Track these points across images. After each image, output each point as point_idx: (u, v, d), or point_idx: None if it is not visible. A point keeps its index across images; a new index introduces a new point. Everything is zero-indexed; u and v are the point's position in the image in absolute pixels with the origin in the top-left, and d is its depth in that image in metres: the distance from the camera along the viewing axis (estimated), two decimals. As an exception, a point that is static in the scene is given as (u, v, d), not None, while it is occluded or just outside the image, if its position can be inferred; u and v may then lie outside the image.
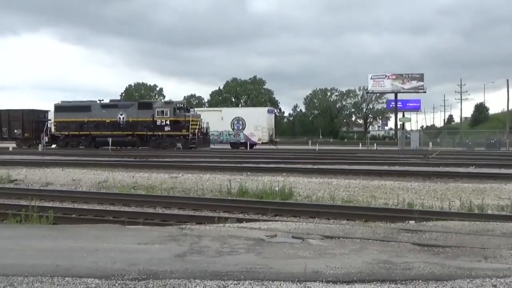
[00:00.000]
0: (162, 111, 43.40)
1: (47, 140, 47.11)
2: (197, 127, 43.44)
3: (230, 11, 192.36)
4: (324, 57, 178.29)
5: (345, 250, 6.50)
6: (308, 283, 5.01)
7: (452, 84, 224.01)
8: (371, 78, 79.48)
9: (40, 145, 46.06)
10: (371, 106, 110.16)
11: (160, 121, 43.36)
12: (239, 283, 4.98)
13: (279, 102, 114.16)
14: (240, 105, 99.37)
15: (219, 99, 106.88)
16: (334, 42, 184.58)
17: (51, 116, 49.21)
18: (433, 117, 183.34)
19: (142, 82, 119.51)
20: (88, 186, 16.45)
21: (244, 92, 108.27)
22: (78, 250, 6.34)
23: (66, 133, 46.39)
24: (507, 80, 65.25)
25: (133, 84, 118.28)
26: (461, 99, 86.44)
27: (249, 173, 19.63)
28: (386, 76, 78.87)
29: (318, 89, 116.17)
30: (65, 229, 8.45)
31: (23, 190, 15.17)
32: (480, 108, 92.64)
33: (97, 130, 45.36)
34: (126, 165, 23.73)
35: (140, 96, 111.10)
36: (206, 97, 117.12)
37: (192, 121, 42.80)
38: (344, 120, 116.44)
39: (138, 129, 44.16)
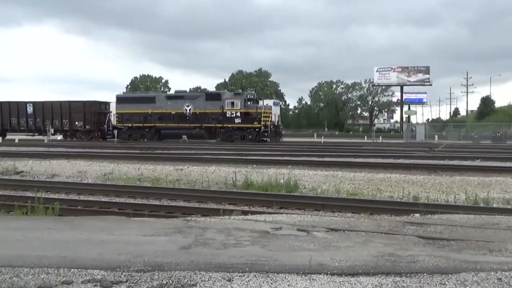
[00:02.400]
0: (232, 103, 42.12)
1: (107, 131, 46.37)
2: (269, 119, 42.08)
3: (235, 2, 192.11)
4: (329, 49, 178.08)
5: (350, 243, 6.50)
6: (313, 275, 5.02)
7: (458, 77, 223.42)
8: (377, 71, 79.35)
9: (46, 137, 45.86)
10: (376, 99, 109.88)
11: (230, 113, 42.04)
12: (244, 275, 4.99)
13: (284, 95, 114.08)
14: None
15: (224, 92, 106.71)
16: (340, 34, 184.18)
17: (112, 107, 48.58)
18: (439, 110, 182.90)
19: (148, 74, 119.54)
20: (94, 178, 16.49)
21: (250, 84, 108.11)
22: (83, 242, 6.37)
23: (129, 125, 45.49)
24: (514, 73, 64.77)
25: (138, 76, 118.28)
26: (467, 92, 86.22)
27: (254, 165, 19.64)
28: (392, 69, 78.74)
29: (323, 81, 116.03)
30: (70, 221, 8.48)
31: (29, 181, 15.21)
32: (486, 101, 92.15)
33: (162, 122, 44.35)
34: (132, 157, 23.77)
35: (146, 88, 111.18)
36: (211, 89, 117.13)
37: (264, 113, 41.55)
38: (350, 113, 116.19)
39: (205, 121, 42.87)
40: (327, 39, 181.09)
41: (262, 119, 41.08)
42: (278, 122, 45.70)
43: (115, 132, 45.68)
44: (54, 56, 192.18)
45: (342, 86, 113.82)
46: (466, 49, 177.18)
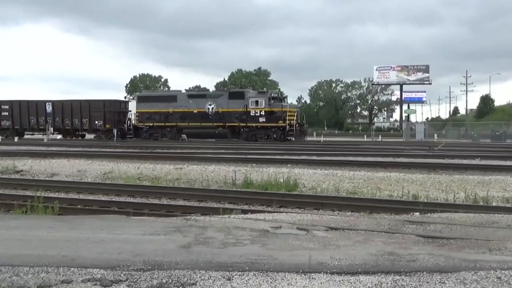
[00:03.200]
0: (256, 101, 41.32)
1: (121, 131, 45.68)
2: (294, 118, 40.96)
3: (234, 1, 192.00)
4: (329, 48, 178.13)
5: (350, 242, 6.50)
6: (312, 274, 5.02)
7: (457, 75, 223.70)
8: (376, 70, 79.39)
9: (45, 136, 45.78)
10: (376, 97, 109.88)
11: (254, 112, 41.32)
12: (244, 274, 5.00)
13: (284, 94, 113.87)
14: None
15: (224, 91, 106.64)
16: (339, 33, 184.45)
17: (131, 106, 48.21)
18: (438, 108, 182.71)
19: (147, 73, 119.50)
20: (94, 177, 16.49)
21: (249, 83, 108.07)
22: (83, 241, 6.37)
23: (150, 124, 44.89)
24: (513, 72, 64.77)
25: (138, 75, 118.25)
26: (466, 91, 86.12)
27: (254, 164, 19.64)
28: (391, 68, 78.77)
29: (323, 80, 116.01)
30: (70, 220, 8.49)
31: (29, 180, 15.21)
32: (486, 100, 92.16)
33: (184, 121, 43.59)
34: (131, 156, 23.75)
35: (146, 87, 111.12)
36: (211, 88, 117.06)
37: (289, 111, 40.77)
38: (349, 112, 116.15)
39: (228, 120, 42.18)
40: (326, 38, 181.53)
41: (287, 118, 40.33)
42: (302, 121, 45.03)
43: (115, 131, 45.51)
44: (53, 55, 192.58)
45: (342, 85, 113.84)
46: (465, 48, 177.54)
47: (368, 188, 13.43)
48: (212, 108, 42.60)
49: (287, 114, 40.48)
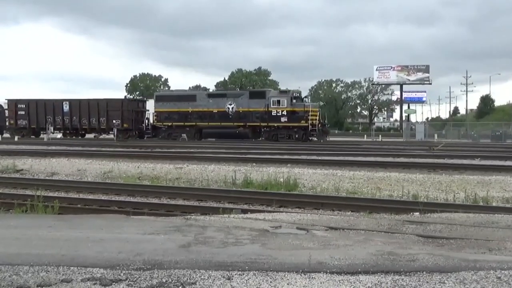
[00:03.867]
0: (278, 101, 40.84)
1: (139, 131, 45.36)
2: (316, 117, 40.56)
3: (234, 1, 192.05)
4: (329, 48, 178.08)
5: (350, 242, 6.50)
6: (312, 274, 5.02)
7: (457, 75, 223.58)
8: (376, 70, 79.36)
9: (45, 135, 45.75)
10: (376, 97, 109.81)
11: (275, 112, 40.76)
12: (243, 274, 5.00)
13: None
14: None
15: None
16: (339, 33, 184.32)
17: (148, 106, 47.80)
18: (438, 108, 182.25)
19: (147, 73, 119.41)
20: (93, 176, 16.49)
21: (249, 83, 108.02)
22: (83, 240, 6.37)
23: (169, 124, 44.24)
24: (514, 72, 64.74)
25: (138, 75, 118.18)
26: (466, 91, 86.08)
27: (254, 164, 19.64)
28: (391, 68, 78.74)
29: (323, 80, 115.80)
30: (70, 219, 8.49)
31: (29, 180, 15.21)
32: (486, 100, 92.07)
33: (203, 121, 43.05)
34: (131, 156, 23.75)
35: (146, 87, 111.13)
36: (211, 88, 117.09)
37: (311, 111, 40.33)
38: (349, 112, 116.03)
39: (249, 120, 41.65)
40: (326, 38, 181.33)
41: (310, 117, 39.91)
42: (324, 120, 44.51)
43: (115, 130, 45.44)
44: (52, 54, 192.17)
45: (342, 84, 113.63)
46: (465, 48, 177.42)
47: (368, 188, 13.44)
48: (232, 108, 42.11)
49: (310, 113, 40.06)
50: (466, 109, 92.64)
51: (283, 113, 40.68)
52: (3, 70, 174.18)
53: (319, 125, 40.81)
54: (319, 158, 22.64)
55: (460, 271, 5.13)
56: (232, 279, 4.85)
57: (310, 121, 39.93)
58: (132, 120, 46.16)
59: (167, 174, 16.20)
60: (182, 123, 43.66)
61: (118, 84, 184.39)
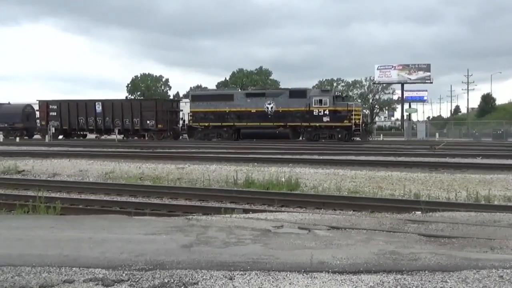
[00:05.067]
0: (320, 100, 39.80)
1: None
2: (360, 117, 39.82)
3: (234, 0, 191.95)
4: (330, 47, 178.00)
5: (352, 241, 6.50)
6: (314, 273, 5.02)
7: (459, 74, 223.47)
8: (377, 69, 79.29)
9: (47, 136, 45.74)
10: (377, 96, 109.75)
11: (317, 111, 39.77)
12: (245, 274, 5.00)
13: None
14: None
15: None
16: (340, 32, 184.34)
17: (182, 106, 47.44)
18: (439, 107, 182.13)
19: (148, 73, 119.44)
20: (95, 177, 16.50)
21: (251, 82, 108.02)
22: (85, 241, 6.38)
23: (206, 124, 43.24)
24: (515, 70, 64.69)
25: (139, 75, 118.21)
26: (467, 90, 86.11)
27: (255, 163, 19.63)
28: (392, 67, 78.64)
29: (324, 79, 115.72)
30: (72, 220, 8.50)
31: (30, 181, 15.22)
32: (487, 99, 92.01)
33: (241, 121, 42.24)
34: (133, 156, 23.76)
35: (147, 87, 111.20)
36: (212, 88, 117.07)
37: (355, 110, 39.58)
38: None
39: (289, 119, 40.70)
40: (327, 37, 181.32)
41: (353, 117, 39.08)
42: (367, 120, 43.68)
43: (116, 130, 45.36)
44: (53, 54, 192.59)
45: (343, 84, 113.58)
46: (466, 47, 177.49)
47: (370, 187, 13.43)
48: (272, 107, 41.23)
49: (353, 113, 39.27)
50: (468, 108, 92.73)
51: (325, 112, 39.72)
52: (3, 71, 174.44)
53: (363, 124, 40.11)
54: (321, 157, 22.63)
55: (462, 270, 5.13)
56: (234, 279, 4.85)
57: (353, 121, 39.06)
58: (167, 121, 45.54)
59: (169, 174, 16.20)
60: (219, 123, 42.87)
61: (118, 84, 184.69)
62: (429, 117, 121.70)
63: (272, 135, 41.02)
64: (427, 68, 77.77)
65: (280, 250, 5.94)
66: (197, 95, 46.65)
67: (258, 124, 41.44)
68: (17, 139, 46.44)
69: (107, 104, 47.53)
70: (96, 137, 48.99)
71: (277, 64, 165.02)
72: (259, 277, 4.90)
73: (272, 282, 4.78)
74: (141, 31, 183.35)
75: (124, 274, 4.98)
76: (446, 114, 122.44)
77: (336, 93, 42.25)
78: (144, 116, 45.61)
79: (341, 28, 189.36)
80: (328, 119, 39.72)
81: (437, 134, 55.13)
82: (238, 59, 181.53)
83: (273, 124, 41.12)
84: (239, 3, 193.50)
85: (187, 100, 49.97)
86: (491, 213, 8.90)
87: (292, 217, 8.58)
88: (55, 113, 47.97)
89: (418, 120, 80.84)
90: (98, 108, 46.92)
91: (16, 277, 4.89)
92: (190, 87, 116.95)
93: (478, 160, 21.53)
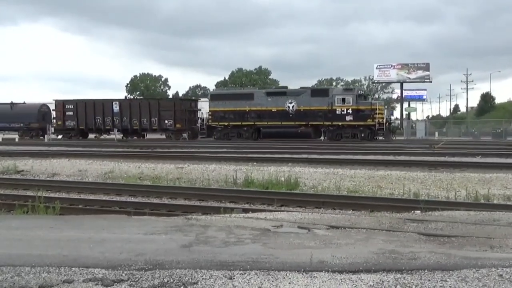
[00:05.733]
0: (343, 99, 39.39)
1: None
2: (383, 116, 39.51)
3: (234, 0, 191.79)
4: (329, 46, 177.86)
5: (351, 240, 6.50)
6: (314, 272, 5.02)
7: (458, 73, 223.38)
8: (376, 68, 79.19)
9: (46, 136, 45.71)
10: (376, 96, 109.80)
11: (340, 110, 39.36)
12: (245, 273, 5.00)
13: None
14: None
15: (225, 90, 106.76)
16: (340, 31, 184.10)
17: (200, 105, 47.13)
18: (439, 106, 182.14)
19: (148, 73, 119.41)
20: (94, 177, 16.49)
21: (250, 82, 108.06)
22: (84, 241, 6.38)
23: (226, 123, 42.86)
24: (514, 69, 64.75)
25: (138, 75, 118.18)
26: (467, 89, 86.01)
27: (255, 163, 19.63)
28: (391, 66, 78.54)
29: (323, 79, 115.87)
30: (71, 220, 8.50)
31: (30, 181, 15.21)
32: (486, 98, 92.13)
33: (261, 120, 41.76)
34: (132, 156, 23.75)
35: (146, 87, 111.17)
36: (211, 87, 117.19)
37: (378, 109, 39.30)
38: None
39: (311, 118, 40.18)
40: (327, 36, 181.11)
41: (377, 116, 38.73)
42: (391, 118, 43.08)
43: (115, 130, 45.27)
44: (52, 54, 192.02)
45: (342, 83, 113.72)
46: (466, 46, 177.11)
47: (369, 186, 13.43)
48: (293, 106, 40.67)
49: (376, 112, 39.02)
50: (467, 107, 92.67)
51: (348, 111, 39.29)
52: (1, 71, 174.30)
53: (386, 124, 39.84)
54: (320, 157, 22.64)
55: (462, 269, 5.13)
56: (233, 278, 4.86)
57: (377, 120, 38.75)
58: (185, 120, 45.14)
59: (168, 174, 16.20)
60: (239, 123, 42.45)
61: (118, 84, 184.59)
62: (428, 116, 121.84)
63: (294, 134, 40.61)
64: (426, 67, 77.73)
65: (280, 249, 5.94)
66: (216, 94, 46.31)
67: (279, 123, 41.02)
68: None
69: (125, 103, 47.52)
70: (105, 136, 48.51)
71: (277, 63, 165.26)
72: (258, 277, 4.90)
73: (272, 281, 4.78)
74: (140, 31, 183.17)
75: (123, 274, 4.98)
76: (445, 113, 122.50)
77: (359, 92, 41.83)
78: (162, 116, 45.25)
79: (340, 28, 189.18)
80: (351, 118, 39.35)
81: (436, 133, 55.20)
82: (237, 59, 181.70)
83: (295, 123, 40.69)
84: (238, 2, 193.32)
85: (205, 99, 49.81)
86: (490, 212, 8.91)
87: (292, 217, 8.58)
88: (71, 113, 47.62)
89: (417, 119, 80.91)
90: (116, 107, 46.60)
91: (16, 277, 4.88)
92: (190, 87, 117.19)
93: (478, 159, 21.54)
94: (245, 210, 9.89)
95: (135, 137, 47.64)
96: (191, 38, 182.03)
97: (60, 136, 48.94)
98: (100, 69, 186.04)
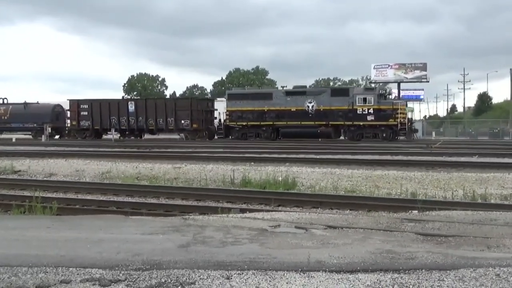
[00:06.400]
0: (364, 98, 39.15)
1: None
2: (405, 115, 39.43)
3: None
4: (327, 46, 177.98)
5: (348, 240, 6.51)
6: (311, 272, 5.02)
7: (455, 73, 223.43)
8: (374, 68, 79.28)
9: (43, 136, 45.54)
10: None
11: (361, 110, 39.12)
12: (242, 273, 4.99)
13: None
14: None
15: (222, 90, 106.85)
16: (338, 31, 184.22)
17: (216, 105, 46.83)
18: (436, 106, 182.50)
19: (145, 73, 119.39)
20: (92, 177, 16.47)
21: (247, 82, 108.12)
22: (82, 241, 6.37)
23: (244, 123, 42.65)
24: (511, 69, 65.07)
25: (135, 75, 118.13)
26: (464, 89, 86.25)
27: (252, 163, 19.63)
28: (389, 66, 78.61)
29: (321, 79, 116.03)
30: (69, 220, 8.48)
31: (27, 181, 15.19)
32: (483, 98, 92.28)
33: (280, 120, 41.56)
34: (129, 156, 23.72)
35: (143, 87, 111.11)
36: (208, 88, 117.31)
37: (400, 109, 39.03)
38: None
39: (331, 118, 40.07)
40: (325, 36, 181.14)
41: (399, 115, 38.58)
42: (412, 118, 42.94)
43: (113, 130, 45.09)
44: (49, 54, 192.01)
45: (340, 83, 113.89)
46: (463, 45, 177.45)
47: (367, 186, 13.44)
48: (312, 106, 40.47)
49: (398, 111, 38.78)
50: (464, 107, 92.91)
51: (369, 111, 39.06)
52: (1, 71, 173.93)
53: (409, 123, 39.63)
54: (317, 156, 22.65)
55: (459, 269, 5.13)
56: (231, 278, 4.85)
57: (399, 119, 38.49)
58: (202, 120, 44.89)
59: (165, 174, 16.19)
60: (258, 123, 42.24)
61: (116, 84, 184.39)
62: (425, 116, 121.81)
63: (313, 134, 40.38)
64: (424, 67, 77.82)
65: (277, 249, 5.94)
66: (234, 93, 45.98)
67: (299, 123, 40.74)
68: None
69: (140, 103, 47.21)
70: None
71: (275, 63, 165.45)
72: (256, 277, 4.90)
73: (269, 281, 4.77)
74: (138, 31, 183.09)
75: (121, 274, 4.97)
76: (442, 113, 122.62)
77: (380, 91, 41.50)
78: (179, 116, 44.89)
79: (338, 27, 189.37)
80: (373, 118, 39.10)
81: (433, 133, 55.27)
82: (235, 59, 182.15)
83: (314, 123, 40.43)
84: (236, 2, 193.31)
85: (221, 99, 49.60)
86: (487, 212, 8.92)
87: (289, 217, 8.58)
88: (86, 113, 47.30)
89: (414, 119, 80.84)
90: (131, 108, 46.30)
91: (13, 278, 4.87)
92: (187, 87, 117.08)
93: (475, 159, 21.56)
94: (243, 210, 9.89)
95: (132, 137, 47.54)
96: (188, 38, 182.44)
97: (57, 136, 48.78)
98: (98, 69, 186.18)
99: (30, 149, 29.53)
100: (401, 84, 78.20)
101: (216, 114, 45.91)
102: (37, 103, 52.97)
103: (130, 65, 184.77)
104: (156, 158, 22.77)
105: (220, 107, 45.83)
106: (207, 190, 12.71)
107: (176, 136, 47.94)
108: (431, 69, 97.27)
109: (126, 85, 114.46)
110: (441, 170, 17.20)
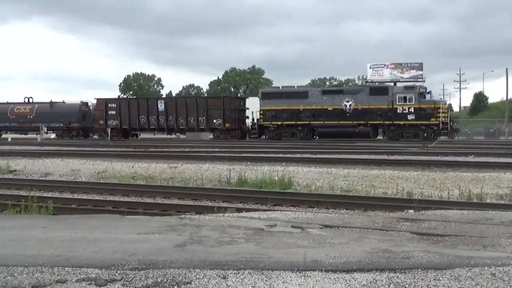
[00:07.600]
0: (405, 97, 38.81)
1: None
2: (447, 114, 38.83)
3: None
4: (322, 46, 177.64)
5: (345, 239, 6.51)
6: (307, 272, 5.02)
7: (451, 72, 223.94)
8: (370, 67, 79.24)
9: (39, 136, 45.26)
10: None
11: (401, 109, 38.51)
12: (239, 273, 4.99)
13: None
14: (238, 95, 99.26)
15: (218, 89, 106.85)
16: (333, 30, 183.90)
17: (248, 104, 46.02)
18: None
19: (141, 72, 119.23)
20: (88, 176, 16.44)
21: (243, 81, 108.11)
22: (78, 240, 6.36)
23: (278, 123, 41.58)
24: (506, 69, 64.94)
25: (131, 74, 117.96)
26: (460, 88, 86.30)
27: (248, 162, 19.63)
28: (385, 65, 78.43)
29: (317, 78, 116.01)
30: (65, 220, 8.47)
31: (23, 180, 15.15)
32: (479, 97, 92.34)
33: (317, 119, 40.52)
34: (125, 155, 23.70)
35: (139, 86, 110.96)
36: (205, 87, 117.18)
37: (442, 108, 38.39)
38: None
39: (369, 118, 39.25)
40: (320, 36, 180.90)
41: (441, 115, 37.87)
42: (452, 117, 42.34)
43: (109, 130, 44.89)
44: (44, 54, 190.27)
45: (336, 82, 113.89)
46: (459, 45, 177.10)
47: (363, 185, 13.45)
48: (350, 105, 39.72)
49: (440, 110, 38.17)
50: (460, 106, 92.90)
51: (410, 110, 38.44)
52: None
53: (451, 123, 39.09)
54: (314, 156, 22.67)
55: (455, 268, 5.14)
56: (227, 278, 4.85)
57: (441, 119, 37.90)
58: (235, 120, 43.79)
59: (162, 174, 16.18)
60: (293, 122, 41.22)
61: (112, 84, 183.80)
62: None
63: (351, 134, 39.39)
64: (420, 66, 77.52)
65: (273, 249, 5.95)
66: (267, 92, 45.03)
67: (336, 122, 39.85)
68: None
69: (170, 102, 46.45)
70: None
71: (270, 62, 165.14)
72: (252, 276, 4.90)
73: (266, 281, 4.78)
74: (133, 30, 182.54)
75: (117, 274, 4.97)
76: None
77: (420, 90, 41.04)
78: (210, 115, 43.89)
79: (334, 27, 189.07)
80: (413, 117, 38.38)
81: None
82: (231, 58, 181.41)
83: (353, 123, 39.60)
84: (231, 1, 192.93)
85: (254, 98, 48.83)
86: (483, 211, 8.95)
87: (285, 216, 8.58)
88: (114, 112, 46.24)
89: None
90: (161, 106, 45.40)
91: (9, 277, 4.86)
92: (183, 86, 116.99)
93: (470, 159, 21.61)
94: (239, 210, 9.89)
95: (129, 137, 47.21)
96: (184, 37, 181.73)
97: (53, 136, 48.53)
98: (93, 69, 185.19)
99: (26, 149, 29.46)
100: (397, 83, 78.34)
101: (249, 113, 45.01)
102: (63, 102, 51.71)
103: (126, 65, 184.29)
104: (152, 157, 22.75)
105: (252, 105, 45.08)
106: (203, 190, 12.70)
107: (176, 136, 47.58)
108: (427, 68, 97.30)
109: (122, 84, 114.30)
110: (437, 169, 17.24)
